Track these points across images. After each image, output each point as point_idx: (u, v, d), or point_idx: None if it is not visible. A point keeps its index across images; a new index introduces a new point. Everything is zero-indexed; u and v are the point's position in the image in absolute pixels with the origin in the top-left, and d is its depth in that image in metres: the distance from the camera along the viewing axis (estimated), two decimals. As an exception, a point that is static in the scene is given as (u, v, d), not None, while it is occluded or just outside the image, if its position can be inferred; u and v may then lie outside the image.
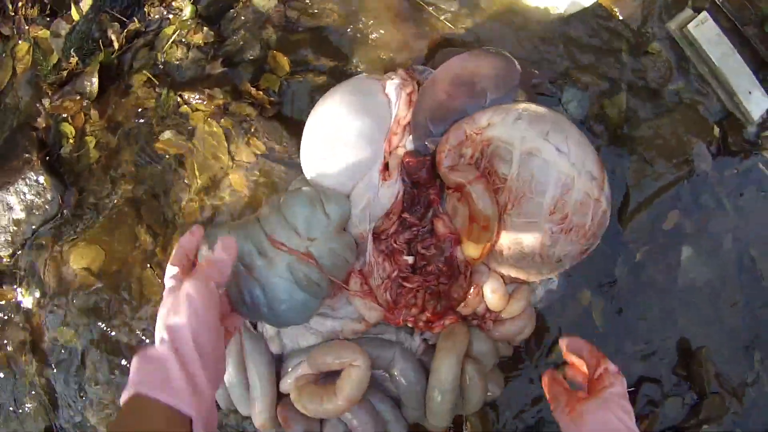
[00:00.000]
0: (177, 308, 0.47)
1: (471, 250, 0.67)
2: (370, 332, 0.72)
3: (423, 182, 0.70)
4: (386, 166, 0.69)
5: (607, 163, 0.79)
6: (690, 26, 0.93)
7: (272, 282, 0.63)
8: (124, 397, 0.44)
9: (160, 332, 0.47)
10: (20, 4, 1.03)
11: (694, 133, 0.88)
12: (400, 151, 0.71)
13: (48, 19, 1.00)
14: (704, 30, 0.93)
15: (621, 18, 0.92)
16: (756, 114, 0.94)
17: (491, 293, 0.69)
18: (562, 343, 0.60)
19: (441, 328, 0.70)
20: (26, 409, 0.97)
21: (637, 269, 0.83)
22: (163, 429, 0.42)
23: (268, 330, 0.75)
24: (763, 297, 0.92)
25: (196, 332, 0.45)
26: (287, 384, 0.72)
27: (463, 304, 0.70)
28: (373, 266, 0.68)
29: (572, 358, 0.58)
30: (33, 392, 0.96)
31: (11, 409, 0.99)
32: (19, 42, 1.02)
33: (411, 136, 0.71)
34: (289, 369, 0.73)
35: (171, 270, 0.52)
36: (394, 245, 0.69)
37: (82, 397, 0.90)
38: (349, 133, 0.68)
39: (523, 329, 0.73)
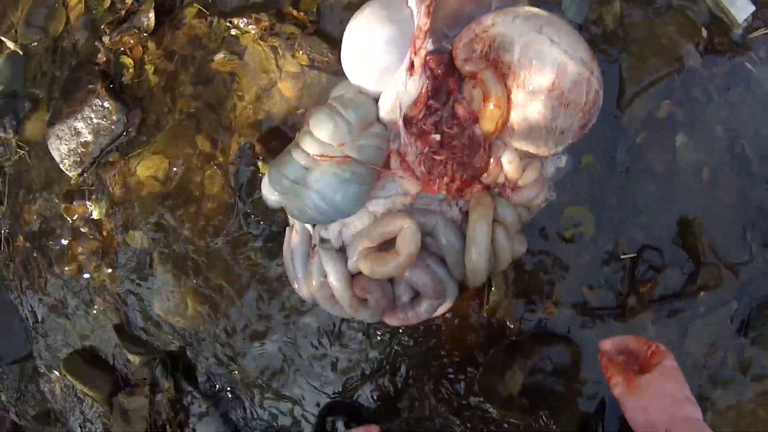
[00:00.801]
0: None
1: (487, 125, 0.91)
2: (415, 205, 0.96)
3: (443, 75, 0.94)
4: (412, 65, 0.93)
5: (603, 61, 1.02)
6: (676, -61, 1.15)
7: (325, 186, 0.88)
8: None
9: None
10: (70, -45, 1.28)
11: (684, 34, 1.11)
12: (422, 53, 0.95)
13: (97, -31, 1.25)
14: (690, -58, 1.15)
15: None
16: (740, 18, 1.16)
17: (508, 163, 0.94)
18: (605, 346, 0.73)
19: (470, 196, 0.94)
20: (96, 309, 1.23)
21: (637, 151, 1.07)
22: None
23: (330, 231, 0.98)
24: (754, 181, 1.14)
25: None
26: (353, 261, 0.95)
27: (485, 174, 0.94)
28: (407, 146, 0.93)
29: (619, 359, 0.72)
30: (105, 294, 1.22)
31: (84, 310, 1.25)
32: (71, -9, 1.27)
33: (431, 40, 0.95)
34: (351, 251, 0.96)
35: None
36: (423, 127, 0.93)
37: (149, 290, 1.16)
38: (379, 39, 0.92)
39: (537, 195, 0.97)
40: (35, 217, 1.30)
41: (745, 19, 1.20)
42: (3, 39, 1.34)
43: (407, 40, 0.94)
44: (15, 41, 1.33)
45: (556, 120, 0.90)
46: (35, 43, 1.32)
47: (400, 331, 1.10)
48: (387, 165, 0.94)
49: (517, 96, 0.89)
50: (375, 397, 1.10)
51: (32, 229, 1.30)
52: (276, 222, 1.08)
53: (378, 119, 0.95)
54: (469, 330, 1.08)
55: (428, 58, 0.94)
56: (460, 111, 0.93)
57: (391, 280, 0.98)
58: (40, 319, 1.36)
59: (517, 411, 1.07)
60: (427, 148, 0.93)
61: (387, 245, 0.94)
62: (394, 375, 1.09)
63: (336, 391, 1.10)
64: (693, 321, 1.11)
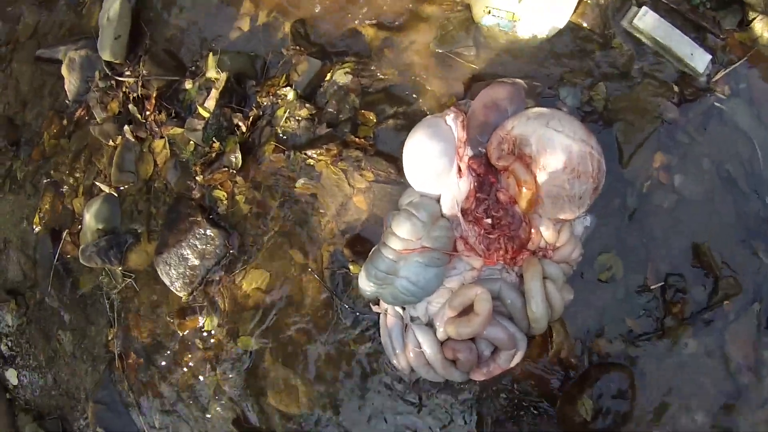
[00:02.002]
0: None
1: (523, 204, 1.32)
2: (481, 276, 1.35)
3: (484, 172, 1.35)
4: (459, 169, 1.32)
5: (600, 132, 1.41)
6: (635, 21, 1.58)
7: (412, 273, 1.27)
8: None
9: None
10: (148, 112, 1.69)
11: (659, 94, 1.52)
12: (466, 158, 1.34)
13: (174, 119, 1.65)
14: (647, 20, 1.59)
15: (587, 27, 1.57)
16: (701, 68, 1.57)
17: (545, 230, 1.34)
18: None
19: (522, 262, 1.34)
20: (214, 411, 1.56)
21: (645, 197, 1.46)
22: None
23: (418, 309, 1.36)
24: (745, 196, 1.51)
25: None
26: (440, 331, 1.33)
27: (530, 242, 1.32)
28: (467, 231, 1.31)
29: None
30: (218, 396, 1.55)
31: (200, 414, 1.57)
32: (155, 140, 1.67)
33: (469, 147, 1.34)
34: (437, 322, 1.34)
35: None
36: (477, 215, 1.33)
37: (264, 386, 1.49)
38: (432, 153, 1.35)
39: (572, 251, 1.38)
40: (146, 335, 1.64)
41: (705, 67, 1.63)
42: (98, 183, 1.74)
43: (452, 150, 1.35)
44: (109, 185, 1.72)
45: (573, 189, 1.30)
46: (128, 186, 1.71)
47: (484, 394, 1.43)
48: (455, 249, 1.35)
49: (541, 177, 1.31)
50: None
51: (145, 346, 1.64)
52: (366, 314, 1.45)
53: (442, 214, 1.36)
54: (541, 372, 1.44)
55: (470, 161, 1.35)
56: (502, 197, 1.34)
57: (473, 340, 1.33)
58: (157, 426, 1.67)
59: (594, 433, 1.44)
60: (482, 231, 1.33)
61: (465, 312, 1.32)
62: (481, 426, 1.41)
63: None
64: (726, 328, 1.49)
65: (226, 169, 1.52)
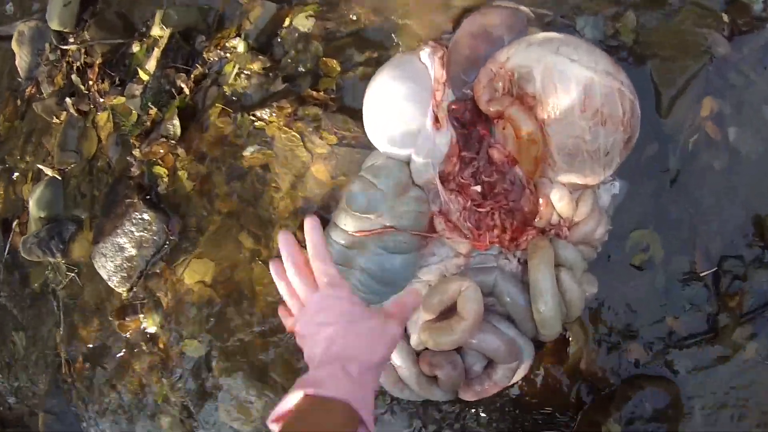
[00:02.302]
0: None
1: (525, 164, 0.98)
2: (470, 265, 1.02)
3: (470, 122, 1.02)
4: (436, 118, 1.01)
5: (631, 72, 1.08)
6: (676, -66, 1.23)
7: (370, 263, 0.94)
8: (290, 401, 0.59)
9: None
10: (91, 82, 1.48)
11: (705, 25, 1.16)
12: (445, 104, 1.03)
13: (119, 87, 1.43)
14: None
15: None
16: (759, -8, 1.21)
17: (558, 200, 0.99)
18: None
19: (527, 244, 0.99)
20: (163, 425, 1.31)
21: (690, 157, 1.10)
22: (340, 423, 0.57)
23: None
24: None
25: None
26: (414, 339, 1.00)
27: (537, 217, 1.00)
28: (448, 203, 0.99)
29: None
30: (168, 408, 1.30)
31: (153, 429, 1.34)
32: (98, 113, 1.46)
33: (451, 90, 1.03)
34: (410, 328, 1.01)
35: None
36: (462, 180, 1.01)
37: (214, 398, 1.23)
38: (398, 98, 1.02)
39: (595, 228, 1.02)
40: (93, 337, 1.42)
41: (763, -7, 1.26)
42: (41, 167, 1.54)
43: (426, 94, 1.03)
44: (52, 167, 1.52)
45: (596, 141, 0.95)
46: (71, 167, 1.51)
47: (473, 409, 1.11)
48: (431, 229, 1.01)
49: (550, 125, 0.96)
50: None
51: (91, 349, 1.42)
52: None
53: (413, 182, 1.03)
54: (554, 391, 1.10)
55: (452, 107, 1.03)
56: (496, 155, 1.01)
57: (459, 351, 1.02)
58: (107, 440, 1.45)
59: (623, 469, 1.09)
60: (469, 202, 1.00)
61: (447, 314, 0.99)
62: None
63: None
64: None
65: (165, 139, 1.28)
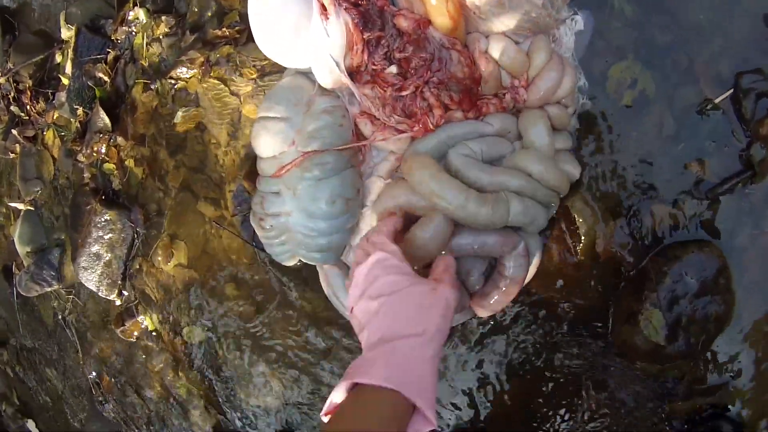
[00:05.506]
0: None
1: (441, 21, 0.80)
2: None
3: (365, -3, 0.83)
4: (322, 6, 0.79)
5: None
6: None
7: (304, 199, 0.79)
8: (340, 391, 0.54)
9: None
10: (28, 106, 1.44)
11: None
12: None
13: (54, 102, 1.38)
14: None
15: None
16: None
17: (501, 55, 0.81)
18: None
19: (494, 108, 0.83)
20: (192, 417, 1.29)
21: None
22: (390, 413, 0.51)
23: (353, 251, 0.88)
24: None
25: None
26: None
27: (483, 81, 0.83)
28: (366, 100, 0.82)
29: None
30: (194, 400, 1.28)
31: (183, 425, 1.32)
32: (44, 133, 1.42)
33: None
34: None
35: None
36: (374, 67, 0.82)
37: (231, 380, 1.19)
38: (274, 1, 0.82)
39: (559, 80, 0.83)
40: (109, 351, 1.41)
41: None
42: (12, 204, 1.52)
43: None
44: (23, 201, 1.50)
45: None
46: (38, 194, 1.48)
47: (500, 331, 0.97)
48: (358, 136, 0.84)
49: None
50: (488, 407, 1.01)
51: (111, 363, 1.42)
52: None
53: (321, 92, 0.85)
54: (576, 282, 0.94)
55: None
56: (403, 23, 0.82)
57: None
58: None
59: (673, 360, 0.89)
60: (389, 90, 0.82)
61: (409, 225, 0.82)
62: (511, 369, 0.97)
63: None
64: None
65: (101, 135, 1.22)
